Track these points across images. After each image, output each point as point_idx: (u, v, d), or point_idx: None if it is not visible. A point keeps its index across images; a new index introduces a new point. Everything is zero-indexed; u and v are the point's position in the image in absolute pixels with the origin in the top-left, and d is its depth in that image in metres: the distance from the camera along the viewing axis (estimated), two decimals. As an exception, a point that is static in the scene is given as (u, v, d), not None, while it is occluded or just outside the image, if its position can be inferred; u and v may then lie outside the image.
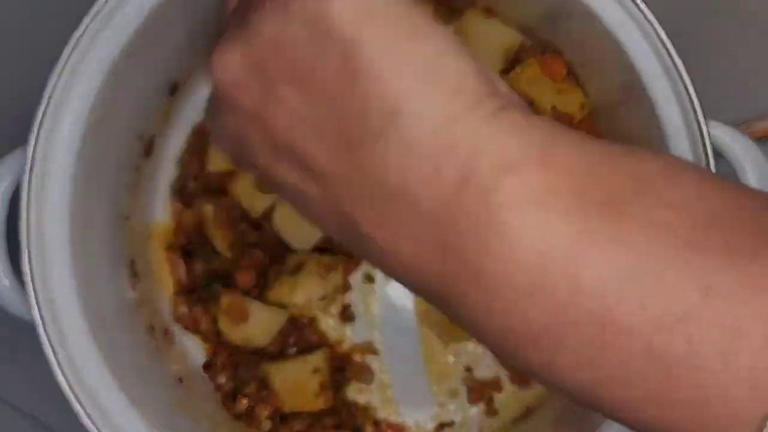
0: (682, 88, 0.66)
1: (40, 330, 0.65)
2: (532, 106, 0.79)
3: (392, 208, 0.36)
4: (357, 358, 0.80)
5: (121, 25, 0.66)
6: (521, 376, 0.79)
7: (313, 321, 0.79)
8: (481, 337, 0.37)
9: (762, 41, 0.86)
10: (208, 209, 0.77)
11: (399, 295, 0.81)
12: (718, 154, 0.68)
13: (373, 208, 0.36)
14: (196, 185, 0.79)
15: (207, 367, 0.80)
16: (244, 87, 0.40)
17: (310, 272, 0.76)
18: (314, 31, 0.36)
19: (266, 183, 0.44)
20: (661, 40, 0.66)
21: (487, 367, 0.80)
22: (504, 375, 0.79)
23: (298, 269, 0.76)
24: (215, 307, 0.77)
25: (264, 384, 0.77)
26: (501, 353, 0.38)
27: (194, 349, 0.80)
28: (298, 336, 0.79)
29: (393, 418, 0.80)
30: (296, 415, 0.78)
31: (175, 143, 0.81)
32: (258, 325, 0.76)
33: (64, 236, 0.66)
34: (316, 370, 0.76)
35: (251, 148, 0.42)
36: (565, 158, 0.34)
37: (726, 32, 0.86)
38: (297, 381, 0.76)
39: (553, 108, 0.83)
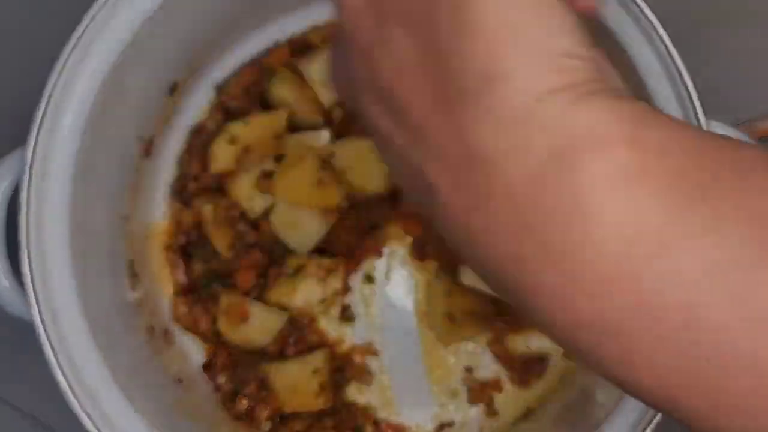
0: (682, 88, 0.66)
1: (40, 330, 0.66)
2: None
3: (473, 175, 0.34)
4: (357, 358, 0.80)
5: (120, 25, 0.66)
6: (521, 377, 0.79)
7: (312, 321, 0.79)
8: (552, 329, 0.35)
9: (762, 41, 0.86)
10: (207, 209, 0.77)
11: (399, 295, 0.81)
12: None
13: (452, 171, 0.35)
14: (195, 185, 0.79)
15: (207, 367, 0.80)
16: (361, 18, 0.39)
17: (310, 275, 0.76)
18: None
19: (365, 123, 0.43)
20: (662, 40, 0.66)
21: (487, 368, 0.80)
22: (504, 375, 0.79)
23: (297, 271, 0.76)
24: (215, 307, 0.77)
25: (264, 384, 0.77)
26: (573, 347, 0.34)
27: (194, 350, 0.80)
28: (298, 336, 0.79)
29: (393, 419, 0.80)
30: (296, 415, 0.78)
31: (174, 143, 0.81)
32: (258, 325, 0.76)
33: (63, 236, 0.66)
34: (315, 371, 0.76)
35: (356, 82, 0.41)
36: (658, 139, 0.32)
37: (726, 33, 0.86)
38: (297, 381, 0.76)
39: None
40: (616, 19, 0.67)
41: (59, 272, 0.66)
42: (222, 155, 0.75)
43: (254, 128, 0.75)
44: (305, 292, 0.76)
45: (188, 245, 0.80)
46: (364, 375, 0.79)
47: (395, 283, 0.81)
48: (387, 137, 0.39)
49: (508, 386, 0.80)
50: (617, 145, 0.32)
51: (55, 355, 0.65)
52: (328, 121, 0.79)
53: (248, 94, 0.79)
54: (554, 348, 0.79)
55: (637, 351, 0.32)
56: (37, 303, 0.66)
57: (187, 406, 0.75)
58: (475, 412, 0.80)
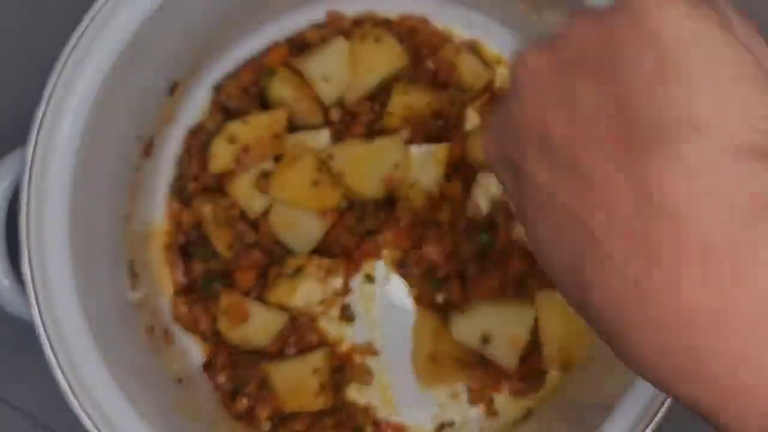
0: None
1: (40, 330, 0.66)
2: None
3: (655, 229, 0.32)
4: (357, 358, 0.80)
5: (120, 26, 0.66)
6: (519, 389, 0.79)
7: (312, 321, 0.79)
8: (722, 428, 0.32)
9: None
10: (207, 209, 0.77)
11: (399, 296, 0.81)
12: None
13: (629, 227, 0.33)
14: (195, 185, 0.79)
15: (207, 366, 0.80)
16: (540, 73, 0.39)
17: (310, 275, 0.76)
18: (635, 27, 0.35)
19: (512, 181, 0.42)
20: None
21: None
22: (504, 377, 0.79)
23: (297, 272, 0.76)
24: (215, 307, 0.77)
25: (263, 384, 0.77)
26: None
27: (194, 350, 0.80)
28: (298, 336, 0.79)
29: (393, 419, 0.80)
30: (296, 415, 0.78)
31: (174, 143, 0.81)
32: (258, 325, 0.76)
33: (63, 236, 0.67)
34: (315, 371, 0.76)
35: (519, 140, 0.40)
36: None
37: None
38: (297, 381, 0.76)
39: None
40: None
41: (59, 272, 0.66)
42: (221, 155, 0.75)
43: (253, 128, 0.75)
44: (305, 293, 0.76)
45: (188, 245, 0.80)
46: (364, 375, 0.79)
47: (395, 283, 0.81)
48: (545, 195, 0.37)
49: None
50: None
51: (55, 355, 0.66)
52: (327, 121, 0.79)
53: (247, 93, 0.79)
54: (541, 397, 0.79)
55: None
56: (37, 303, 0.66)
57: (187, 406, 0.75)
58: (475, 412, 0.80)
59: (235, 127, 0.75)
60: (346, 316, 0.80)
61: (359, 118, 0.79)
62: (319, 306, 0.76)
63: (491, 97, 0.82)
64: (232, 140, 0.75)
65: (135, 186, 0.76)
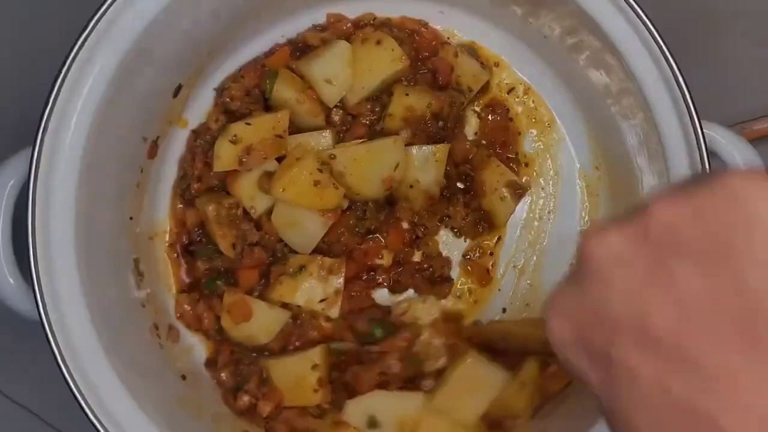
0: (677, 90, 0.67)
1: (46, 329, 0.66)
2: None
3: None
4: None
5: (125, 28, 0.67)
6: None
7: (314, 319, 0.79)
8: None
9: (757, 43, 0.87)
10: (211, 209, 0.77)
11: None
12: (714, 155, 0.69)
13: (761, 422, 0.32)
14: (198, 186, 0.79)
15: (209, 364, 0.80)
16: (626, 259, 0.37)
17: (311, 275, 0.77)
18: (735, 210, 0.34)
19: (595, 369, 0.39)
20: (657, 42, 0.67)
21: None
22: None
23: (299, 271, 0.77)
24: (218, 305, 0.78)
25: (264, 380, 0.78)
26: None
27: (198, 347, 0.81)
28: (300, 334, 0.79)
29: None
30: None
31: (178, 144, 0.82)
32: (261, 324, 0.77)
33: (69, 236, 0.67)
34: (314, 366, 0.76)
35: (606, 328, 0.38)
36: None
37: (721, 35, 0.87)
38: (296, 376, 0.77)
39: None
40: (611, 21, 0.68)
41: (65, 271, 0.67)
42: (225, 155, 0.75)
43: (256, 129, 0.76)
44: (306, 291, 0.77)
45: (192, 244, 0.81)
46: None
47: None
48: (659, 390, 0.35)
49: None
50: None
51: (61, 354, 0.66)
52: (329, 122, 0.80)
53: (250, 95, 0.79)
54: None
55: None
56: (43, 302, 0.66)
57: (190, 403, 0.75)
58: None
59: (238, 129, 0.75)
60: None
61: (360, 120, 0.79)
62: (320, 304, 0.77)
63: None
64: (235, 141, 0.75)
65: (139, 186, 0.77)
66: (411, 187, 0.79)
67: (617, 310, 0.37)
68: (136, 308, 0.76)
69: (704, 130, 0.67)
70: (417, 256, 0.82)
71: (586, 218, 0.83)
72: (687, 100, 0.67)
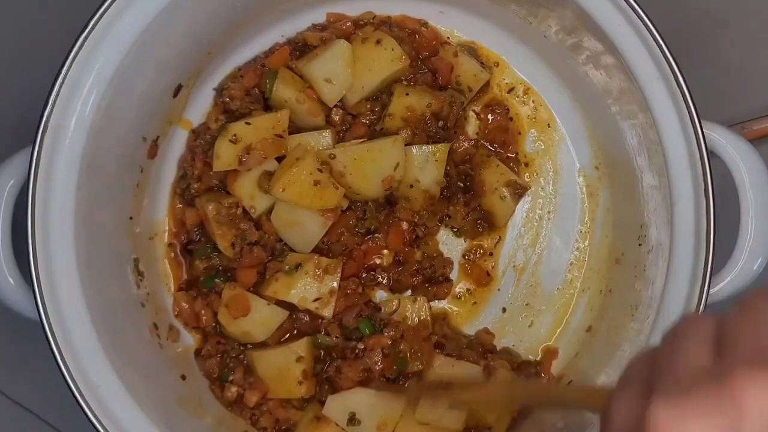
0: (677, 90, 0.67)
1: (46, 329, 0.66)
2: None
3: None
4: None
5: (125, 28, 0.67)
6: None
7: (312, 319, 0.80)
8: None
9: (757, 43, 0.87)
10: (210, 209, 0.77)
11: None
12: (714, 155, 0.69)
13: None
14: (198, 185, 0.79)
15: (197, 353, 0.80)
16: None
17: (307, 273, 0.77)
18: None
19: None
20: (657, 42, 0.67)
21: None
22: None
23: (296, 268, 0.77)
24: (216, 301, 0.78)
25: (249, 371, 0.78)
26: None
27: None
28: (297, 332, 0.79)
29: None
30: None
31: (178, 144, 0.82)
32: (258, 320, 0.77)
33: (69, 235, 0.67)
34: (299, 359, 0.76)
35: None
36: None
37: (721, 34, 0.87)
38: (280, 368, 0.76)
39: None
40: (611, 21, 0.68)
41: (65, 271, 0.67)
42: (224, 154, 0.75)
43: (256, 129, 0.76)
44: (301, 289, 0.77)
45: (191, 243, 0.81)
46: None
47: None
48: None
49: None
50: None
51: (60, 353, 0.66)
52: (329, 122, 0.80)
53: (250, 95, 0.79)
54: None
55: None
56: (43, 302, 0.66)
57: (190, 403, 0.75)
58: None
59: (238, 128, 0.76)
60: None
61: (360, 119, 0.80)
62: (313, 303, 0.77)
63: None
64: (235, 141, 0.75)
65: (139, 186, 0.77)
66: (411, 187, 0.79)
67: None
68: (135, 308, 0.76)
69: (704, 130, 0.67)
70: (417, 256, 0.82)
71: (587, 218, 0.83)
72: (687, 100, 0.67)
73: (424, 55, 0.81)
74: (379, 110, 0.80)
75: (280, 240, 0.78)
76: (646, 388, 0.37)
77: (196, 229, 0.81)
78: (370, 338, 0.77)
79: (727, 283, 0.69)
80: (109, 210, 0.73)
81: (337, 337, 0.78)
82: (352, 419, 0.75)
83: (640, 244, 0.75)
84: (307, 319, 0.79)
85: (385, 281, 0.82)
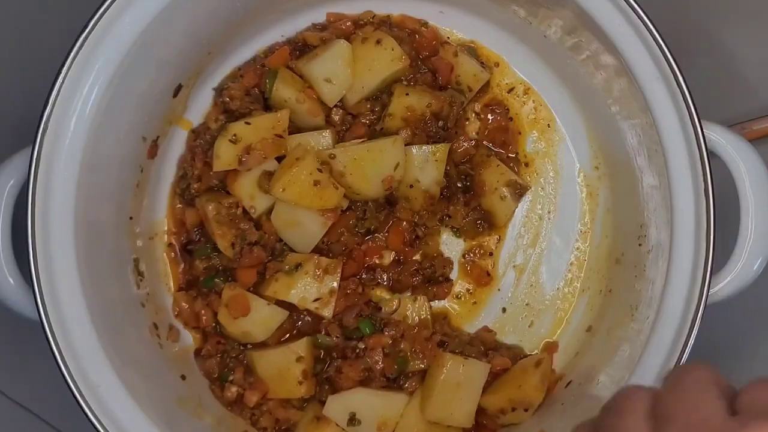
0: (677, 90, 0.67)
1: (46, 329, 0.66)
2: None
3: None
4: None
5: (125, 28, 0.67)
6: None
7: (313, 319, 0.80)
8: None
9: (757, 43, 0.87)
10: (210, 209, 0.77)
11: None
12: (714, 155, 0.69)
13: None
14: (198, 185, 0.79)
15: (197, 353, 0.80)
16: None
17: (307, 273, 0.77)
18: None
19: None
20: (657, 42, 0.67)
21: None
22: None
23: (296, 268, 0.77)
24: (216, 301, 0.78)
25: (249, 371, 0.78)
26: None
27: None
28: (295, 327, 0.79)
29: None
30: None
31: (178, 144, 0.82)
32: (258, 320, 0.77)
33: (69, 235, 0.67)
34: (299, 359, 0.76)
35: None
36: None
37: (721, 35, 0.87)
38: (280, 368, 0.76)
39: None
40: (611, 21, 0.68)
41: (65, 271, 0.67)
42: (224, 154, 0.75)
43: (256, 129, 0.76)
44: (301, 290, 0.77)
45: (191, 243, 0.81)
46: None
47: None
48: None
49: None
50: None
51: (60, 354, 0.66)
52: (329, 122, 0.80)
53: (250, 95, 0.79)
54: None
55: None
56: (43, 302, 0.66)
57: (190, 403, 0.75)
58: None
59: (238, 128, 0.76)
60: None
61: (360, 119, 0.80)
62: (313, 303, 0.77)
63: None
64: (234, 141, 0.75)
65: (139, 186, 0.77)
66: (411, 187, 0.79)
67: None
68: (135, 308, 0.76)
69: (704, 130, 0.67)
70: (417, 256, 0.82)
71: (586, 218, 0.83)
72: (687, 100, 0.67)
73: (424, 55, 0.82)
74: (379, 110, 0.80)
75: (280, 240, 0.79)
76: None
77: (196, 229, 0.81)
78: (371, 338, 0.77)
79: (727, 283, 0.69)
80: (109, 210, 0.73)
81: (337, 336, 0.78)
82: (353, 419, 0.75)
83: (640, 244, 0.75)
84: (307, 319, 0.79)
85: (385, 281, 0.82)
